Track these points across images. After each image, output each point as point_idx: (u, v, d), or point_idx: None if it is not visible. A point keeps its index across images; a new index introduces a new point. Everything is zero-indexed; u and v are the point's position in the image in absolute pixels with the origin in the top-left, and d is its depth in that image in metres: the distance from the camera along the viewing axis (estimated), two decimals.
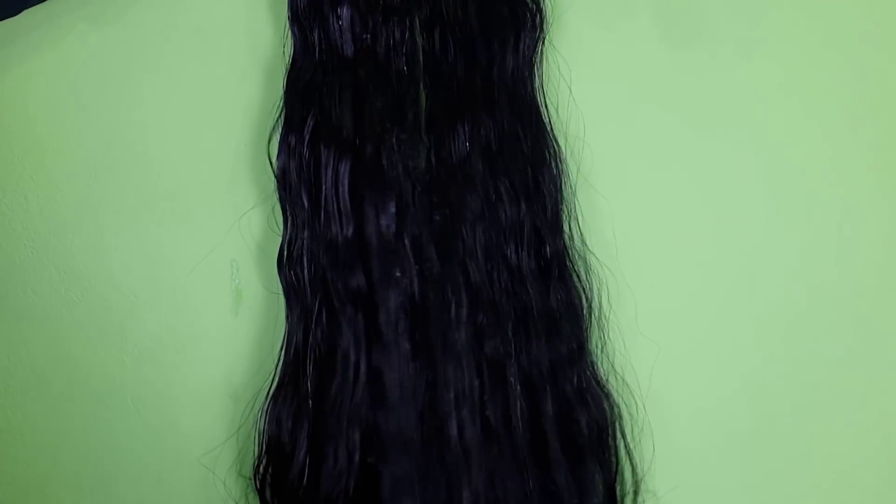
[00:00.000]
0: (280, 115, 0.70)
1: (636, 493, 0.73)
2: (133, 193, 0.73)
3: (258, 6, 0.73)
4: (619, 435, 0.72)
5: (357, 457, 0.68)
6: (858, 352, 0.75)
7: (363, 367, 0.68)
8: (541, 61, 0.73)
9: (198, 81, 0.73)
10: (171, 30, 0.73)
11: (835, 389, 0.75)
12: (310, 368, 0.68)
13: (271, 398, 0.70)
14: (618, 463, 0.72)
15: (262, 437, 0.70)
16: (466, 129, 0.69)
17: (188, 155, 0.73)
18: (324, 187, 0.68)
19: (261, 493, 0.70)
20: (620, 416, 0.73)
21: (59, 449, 0.73)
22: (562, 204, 0.72)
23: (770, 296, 0.75)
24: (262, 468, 0.70)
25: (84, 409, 0.73)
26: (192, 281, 0.72)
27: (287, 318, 0.70)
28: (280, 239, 0.70)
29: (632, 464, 0.73)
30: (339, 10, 0.69)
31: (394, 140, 0.68)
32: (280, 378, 0.70)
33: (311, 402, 0.68)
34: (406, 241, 0.68)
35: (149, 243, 0.73)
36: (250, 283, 0.73)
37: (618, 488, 0.72)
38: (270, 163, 0.70)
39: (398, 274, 0.68)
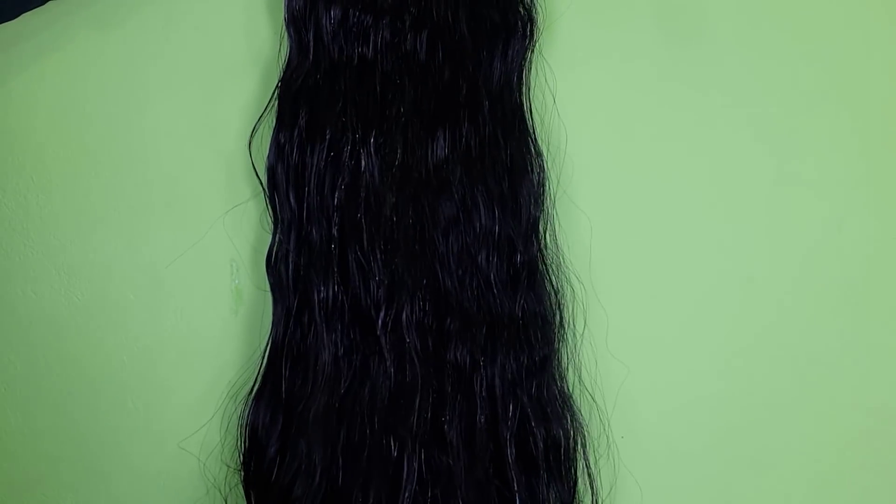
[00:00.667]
0: (274, 116, 0.71)
1: None
2: (133, 193, 0.73)
3: (257, 8, 0.74)
4: (579, 454, 0.71)
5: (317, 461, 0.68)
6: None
7: (328, 371, 0.68)
8: (528, 69, 0.72)
9: (198, 83, 0.74)
10: (171, 32, 0.74)
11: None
12: (285, 368, 0.69)
13: (255, 395, 0.70)
14: (576, 483, 0.71)
15: (245, 432, 0.70)
16: (447, 133, 0.69)
17: (188, 155, 0.73)
18: (307, 188, 0.69)
19: (245, 487, 0.70)
20: (583, 435, 0.71)
21: (59, 449, 0.72)
22: (539, 214, 0.71)
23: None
24: (244, 463, 0.70)
25: (84, 409, 0.72)
26: (192, 281, 0.73)
27: (273, 316, 0.70)
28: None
29: (591, 486, 0.71)
30: (331, 12, 0.70)
31: (372, 143, 0.68)
32: (263, 375, 0.70)
33: (284, 400, 0.69)
34: (378, 245, 0.68)
35: (149, 243, 0.73)
36: (250, 282, 0.73)
37: None
38: (252, 164, 0.71)
39: (376, 279, 0.68)
